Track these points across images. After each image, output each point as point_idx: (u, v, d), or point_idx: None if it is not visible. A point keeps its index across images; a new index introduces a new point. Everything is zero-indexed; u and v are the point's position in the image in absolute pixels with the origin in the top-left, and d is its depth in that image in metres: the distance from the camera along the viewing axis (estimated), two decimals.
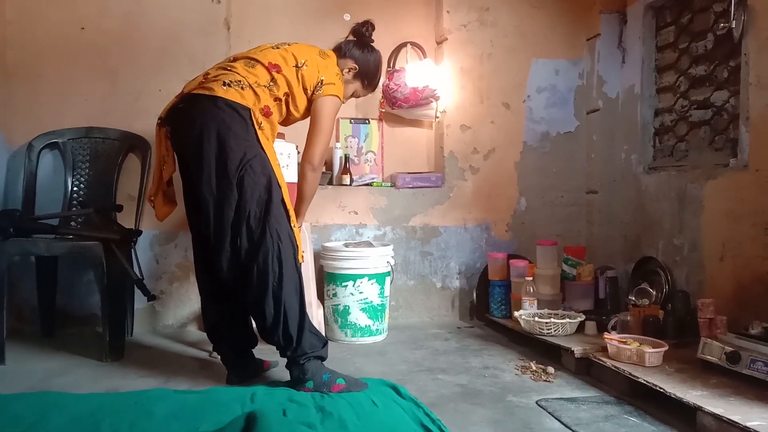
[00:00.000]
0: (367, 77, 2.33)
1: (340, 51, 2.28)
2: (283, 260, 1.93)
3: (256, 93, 2.01)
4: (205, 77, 2.03)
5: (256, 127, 1.99)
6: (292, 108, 2.12)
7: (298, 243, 2.02)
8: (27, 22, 2.92)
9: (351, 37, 2.33)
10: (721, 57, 2.59)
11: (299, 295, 1.99)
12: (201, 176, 1.93)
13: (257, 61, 2.06)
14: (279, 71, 2.06)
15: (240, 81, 1.98)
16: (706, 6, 2.68)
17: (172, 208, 2.17)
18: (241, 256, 1.93)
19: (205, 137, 1.92)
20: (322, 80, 2.10)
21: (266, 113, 2.05)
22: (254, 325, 2.10)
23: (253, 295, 1.95)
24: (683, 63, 2.84)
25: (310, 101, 2.13)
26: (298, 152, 2.50)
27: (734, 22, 2.38)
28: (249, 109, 1.98)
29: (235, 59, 2.09)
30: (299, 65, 2.08)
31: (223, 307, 2.13)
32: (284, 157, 2.50)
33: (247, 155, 1.92)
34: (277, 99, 2.07)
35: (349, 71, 2.27)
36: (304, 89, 2.10)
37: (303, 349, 1.98)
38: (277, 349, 2.03)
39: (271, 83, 2.05)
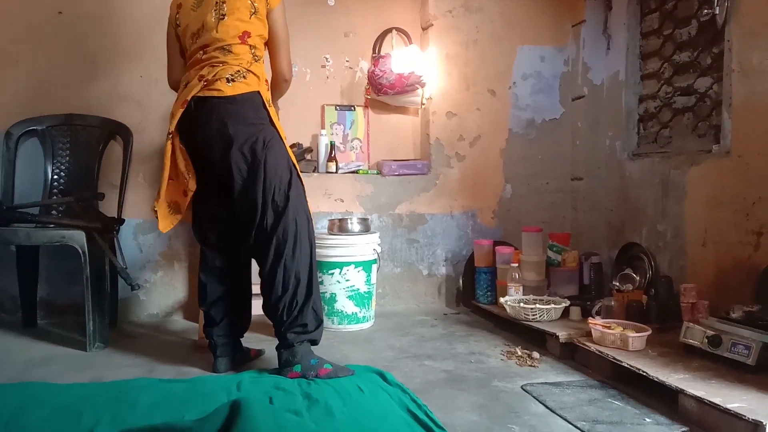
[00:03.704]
0: None
1: None
2: (299, 232, 2.03)
3: (254, 73, 2.06)
4: (201, 79, 2.01)
5: (268, 106, 2.06)
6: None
7: (311, 217, 2.11)
8: (1, 5, 2.84)
9: None
10: (704, 44, 2.61)
11: (309, 268, 2.06)
12: (229, 164, 2.00)
13: (229, 45, 2.02)
14: (249, 35, 2.05)
15: (239, 71, 2.02)
16: None
17: (177, 218, 2.16)
18: (267, 229, 2.01)
19: (225, 132, 2.00)
20: None
21: (268, 84, 2.13)
22: (251, 310, 2.15)
23: (268, 264, 2.02)
24: (667, 49, 2.85)
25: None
26: None
27: (717, 8, 2.39)
28: (257, 92, 2.05)
29: (205, 47, 2.04)
30: (254, 11, 2.04)
31: (225, 286, 2.16)
32: None
33: (266, 138, 2.02)
34: (261, 58, 2.11)
35: None
36: (262, 21, 2.09)
37: (302, 321, 2.01)
38: (275, 323, 2.05)
39: (253, 49, 2.07)
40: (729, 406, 1.57)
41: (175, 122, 2.05)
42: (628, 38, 3.04)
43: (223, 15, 2.02)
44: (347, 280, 2.76)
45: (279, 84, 2.23)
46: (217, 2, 2.04)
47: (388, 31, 3.31)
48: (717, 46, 2.51)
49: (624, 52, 3.06)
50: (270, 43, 2.15)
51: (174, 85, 2.23)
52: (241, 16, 2.03)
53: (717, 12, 2.40)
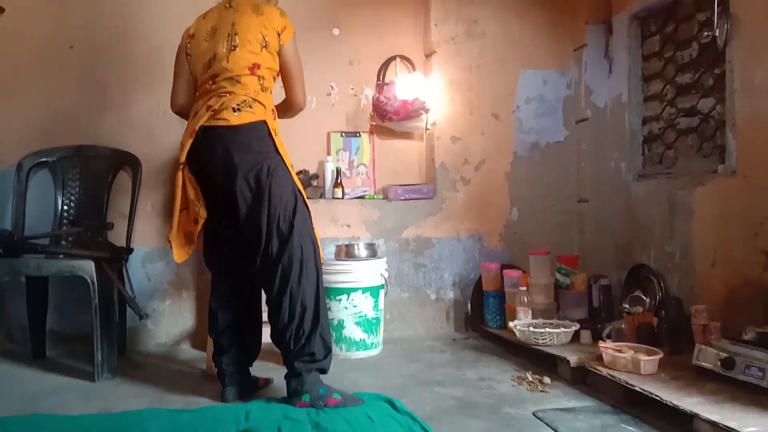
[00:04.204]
0: None
1: None
2: (304, 259, 2.03)
3: (260, 102, 2.08)
4: (208, 109, 2.04)
5: (273, 135, 2.08)
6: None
7: (318, 244, 2.11)
8: (16, 40, 2.92)
9: None
10: (706, 65, 2.63)
11: (316, 295, 2.05)
12: (234, 192, 2.02)
13: (238, 76, 2.06)
14: (259, 67, 2.08)
15: (245, 100, 2.05)
16: (690, 15, 2.72)
17: (191, 248, 2.18)
18: (272, 256, 2.01)
19: (230, 160, 2.02)
20: (278, 32, 2.11)
21: (275, 114, 2.16)
22: (261, 338, 2.13)
23: (274, 292, 2.02)
24: (669, 71, 2.87)
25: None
26: None
27: (718, 30, 2.42)
28: (263, 121, 2.07)
29: (215, 77, 2.08)
30: (265, 44, 2.08)
31: (234, 314, 2.17)
32: None
33: (271, 166, 2.03)
34: (269, 88, 2.14)
35: None
36: (273, 55, 2.12)
37: (310, 349, 2.00)
38: (283, 352, 2.04)
39: (261, 80, 2.10)
40: (745, 430, 1.55)
41: (185, 152, 2.07)
42: (630, 61, 3.07)
43: (235, 46, 2.06)
44: (355, 306, 2.75)
45: (293, 111, 2.27)
46: (229, 34, 2.08)
47: (392, 58, 3.36)
48: (718, 66, 2.53)
49: (626, 74, 3.09)
50: (284, 76, 2.18)
51: (177, 108, 2.26)
52: (252, 48, 2.06)
53: (717, 34, 2.42)
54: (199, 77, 2.14)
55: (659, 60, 2.94)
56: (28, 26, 2.93)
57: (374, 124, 3.34)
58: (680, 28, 2.80)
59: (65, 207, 2.87)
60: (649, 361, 2.07)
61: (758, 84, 2.28)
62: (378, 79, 3.34)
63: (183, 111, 2.24)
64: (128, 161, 2.95)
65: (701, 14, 2.64)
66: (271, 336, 2.08)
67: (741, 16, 2.34)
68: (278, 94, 2.21)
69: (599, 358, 2.22)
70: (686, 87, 2.76)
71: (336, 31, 3.31)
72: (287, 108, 2.25)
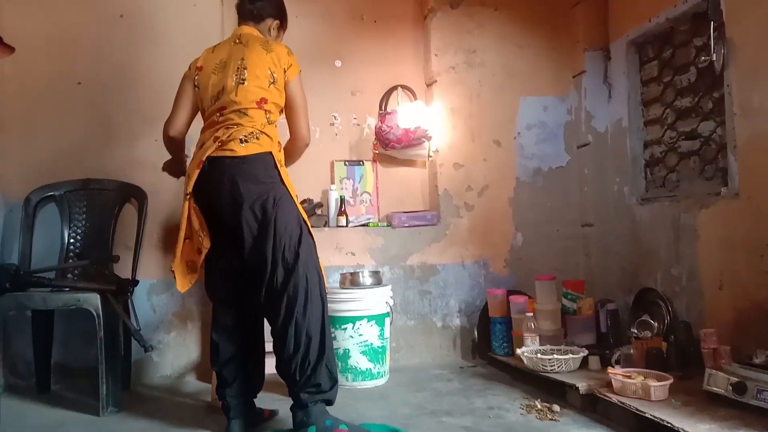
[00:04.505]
0: (285, 19, 2.36)
1: (255, 18, 2.26)
2: (309, 289, 2.02)
3: (267, 134, 2.11)
4: (215, 140, 2.07)
5: (279, 166, 2.11)
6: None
7: (323, 273, 2.11)
8: (25, 77, 2.98)
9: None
10: (704, 89, 2.65)
11: (321, 324, 2.04)
12: (240, 222, 2.03)
13: (246, 109, 2.10)
14: (266, 102, 2.12)
15: (252, 132, 2.08)
16: (686, 40, 2.76)
17: (194, 277, 2.18)
18: (277, 286, 2.01)
19: (236, 190, 2.04)
20: (285, 69, 2.15)
21: (280, 146, 2.18)
22: (265, 369, 2.12)
23: (279, 322, 2.01)
24: (668, 96, 2.90)
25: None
26: None
27: (715, 55, 2.45)
28: (269, 152, 2.09)
29: (222, 110, 2.12)
30: (273, 80, 2.12)
31: (237, 345, 2.15)
32: None
33: (277, 196, 2.05)
34: (275, 122, 2.17)
35: (274, 28, 2.31)
36: (280, 91, 2.16)
37: (316, 380, 1.98)
38: (289, 383, 2.02)
39: (268, 115, 2.14)
40: None
41: (192, 183, 2.09)
42: (629, 86, 3.11)
43: (243, 80, 2.10)
44: (360, 335, 2.74)
45: (299, 147, 2.27)
46: (238, 68, 2.12)
47: (394, 88, 3.41)
48: (717, 90, 2.55)
49: (626, 99, 3.12)
50: (289, 110, 2.21)
51: (173, 133, 2.23)
52: (260, 83, 2.10)
53: (714, 58, 2.46)
54: (206, 109, 2.17)
55: (658, 84, 2.97)
56: (37, 64, 2.99)
57: (377, 152, 3.37)
58: (677, 53, 2.83)
59: (71, 240, 2.89)
60: (659, 386, 2.04)
61: (757, 107, 2.30)
62: (380, 109, 3.38)
63: (177, 139, 2.25)
64: (134, 194, 2.97)
65: (698, 39, 2.68)
66: (276, 367, 2.06)
67: (737, 41, 2.38)
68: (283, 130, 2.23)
69: (609, 385, 2.19)
70: (686, 111, 2.78)
71: (338, 63, 3.37)
72: (293, 146, 2.25)
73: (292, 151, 2.27)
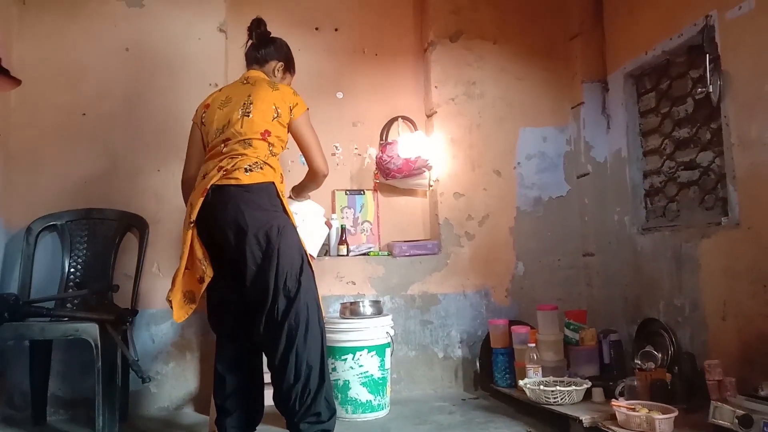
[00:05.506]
0: (291, 63, 2.45)
1: (260, 62, 2.36)
2: (310, 318, 2.03)
3: (270, 165, 2.15)
4: (220, 170, 2.10)
5: (282, 197, 2.14)
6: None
7: (320, 303, 2.12)
8: (31, 108, 3.01)
9: (252, 41, 2.40)
10: (702, 119, 2.68)
11: (321, 354, 2.04)
12: (243, 250, 2.04)
13: (250, 140, 2.13)
14: (269, 134, 2.16)
15: (256, 162, 2.12)
16: (683, 72, 2.80)
17: (191, 308, 2.17)
18: (278, 315, 2.02)
19: (241, 218, 2.06)
20: (290, 107, 2.20)
21: (282, 178, 2.22)
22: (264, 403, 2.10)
23: (279, 352, 2.01)
24: (666, 126, 2.93)
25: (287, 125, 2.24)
26: None
27: (711, 86, 2.48)
28: (272, 183, 2.13)
29: (227, 141, 2.15)
30: (276, 116, 2.17)
31: (240, 377, 2.15)
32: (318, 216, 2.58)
33: (281, 225, 2.08)
34: (277, 154, 2.22)
35: (278, 70, 2.38)
36: (283, 126, 2.21)
37: (315, 409, 1.97)
38: (287, 415, 2.00)
39: (271, 147, 2.17)
40: None
41: (195, 211, 2.09)
42: (627, 117, 3.14)
43: (249, 113, 2.15)
44: (360, 366, 2.70)
45: (318, 179, 2.32)
46: (245, 103, 2.17)
47: (395, 119, 3.45)
48: (714, 121, 2.58)
49: (624, 130, 3.15)
50: (301, 147, 2.26)
51: (190, 180, 2.29)
52: (264, 117, 2.15)
53: (711, 90, 2.49)
54: (210, 141, 2.20)
55: (656, 115, 3.00)
56: (43, 95, 3.03)
57: (378, 182, 3.39)
58: (674, 85, 2.87)
59: (72, 269, 2.88)
60: (664, 419, 2.01)
61: (755, 137, 2.31)
62: (381, 139, 3.42)
63: (191, 184, 2.28)
64: (135, 223, 2.98)
65: (694, 71, 2.72)
66: (275, 398, 2.04)
67: (732, 73, 2.41)
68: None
69: (613, 417, 2.15)
70: (684, 141, 2.80)
71: (340, 95, 3.43)
72: (311, 177, 2.32)
73: (311, 182, 2.34)
